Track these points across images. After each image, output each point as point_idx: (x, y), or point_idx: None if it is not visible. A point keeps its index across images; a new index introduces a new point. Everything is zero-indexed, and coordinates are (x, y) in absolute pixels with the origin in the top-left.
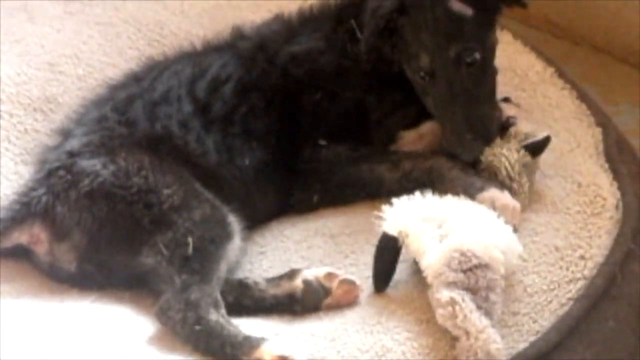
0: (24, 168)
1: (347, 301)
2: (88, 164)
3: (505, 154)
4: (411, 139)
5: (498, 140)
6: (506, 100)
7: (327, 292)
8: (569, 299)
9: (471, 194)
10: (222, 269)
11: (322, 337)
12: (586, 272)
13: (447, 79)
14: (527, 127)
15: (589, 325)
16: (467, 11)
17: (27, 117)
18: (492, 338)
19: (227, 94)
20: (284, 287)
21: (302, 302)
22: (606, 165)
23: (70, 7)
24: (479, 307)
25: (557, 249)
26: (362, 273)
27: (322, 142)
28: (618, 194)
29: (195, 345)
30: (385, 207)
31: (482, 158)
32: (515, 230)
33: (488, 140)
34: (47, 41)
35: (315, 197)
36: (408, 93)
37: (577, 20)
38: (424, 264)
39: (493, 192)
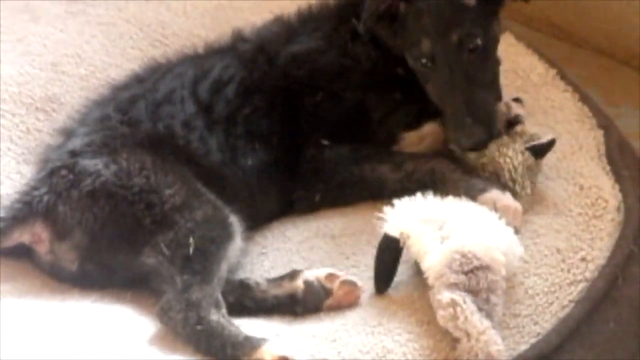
0: (26, 167)
1: (348, 302)
2: (90, 163)
3: (509, 155)
4: (412, 140)
5: (505, 138)
6: (517, 100)
7: (328, 293)
8: (570, 301)
9: (473, 195)
10: (223, 269)
11: (323, 337)
12: (587, 274)
13: (448, 64)
14: (532, 128)
15: (590, 327)
16: (470, 1)
17: (29, 117)
18: (493, 340)
19: (230, 95)
20: (285, 288)
21: (303, 302)
22: (608, 168)
23: (73, 7)
24: (480, 309)
25: (558, 250)
26: (363, 274)
27: (324, 142)
28: (620, 196)
29: (196, 345)
30: (386, 209)
31: (487, 152)
32: (517, 232)
33: (489, 128)
34: (50, 41)
35: (317, 197)
36: (409, 93)
37: (579, 23)
38: (425, 265)
39: (495, 194)
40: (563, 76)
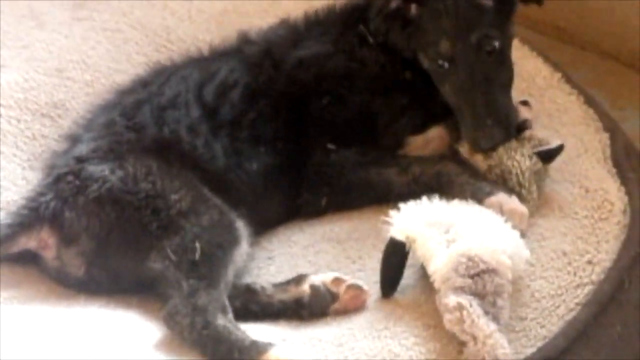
0: (31, 173)
1: (354, 306)
2: (96, 169)
3: (518, 159)
4: (418, 144)
5: (513, 142)
6: (524, 103)
7: (334, 297)
8: (577, 304)
9: (479, 198)
10: (230, 274)
11: (330, 342)
12: (594, 277)
13: (468, 65)
14: (541, 132)
15: (596, 330)
16: (488, 1)
17: (34, 123)
18: (499, 343)
19: (235, 99)
20: (292, 292)
21: (310, 307)
22: (614, 170)
23: (78, 13)
24: (486, 312)
25: (564, 253)
26: (369, 278)
27: (330, 147)
28: (626, 199)
29: (202, 350)
30: (392, 212)
31: (495, 155)
32: (523, 235)
33: (508, 129)
34: (55, 47)
35: (323, 201)
36: (415, 97)
37: (585, 26)
38: (431, 269)
39: (501, 197)
40: (568, 79)
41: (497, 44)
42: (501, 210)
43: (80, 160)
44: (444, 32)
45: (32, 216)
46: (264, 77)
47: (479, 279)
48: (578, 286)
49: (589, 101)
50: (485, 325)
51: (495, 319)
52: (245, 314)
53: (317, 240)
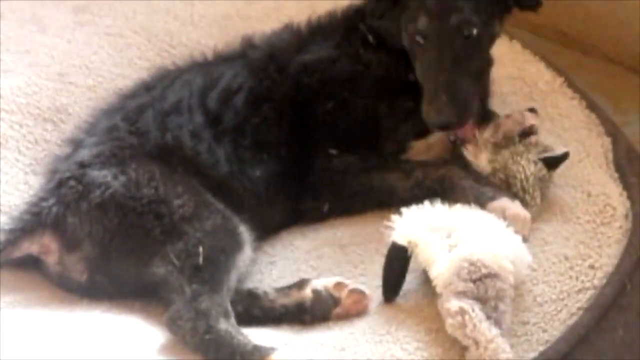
0: (34, 178)
1: (356, 311)
2: (99, 174)
3: (522, 165)
4: (420, 149)
5: (519, 147)
6: (532, 110)
7: (336, 301)
8: (579, 308)
9: (482, 202)
10: (233, 278)
11: (332, 346)
12: (596, 282)
13: (440, 44)
14: (547, 139)
15: (598, 335)
16: None
17: (37, 128)
18: (501, 347)
19: (239, 105)
20: (294, 297)
21: (312, 311)
22: (616, 175)
23: (81, 18)
24: (488, 317)
25: (566, 258)
26: (371, 283)
27: (333, 152)
28: (628, 204)
29: (205, 354)
30: (394, 217)
31: (500, 159)
32: (525, 240)
33: (461, 114)
34: (57, 52)
35: (326, 207)
36: (419, 101)
37: (587, 30)
38: (433, 273)
39: (504, 202)
40: (570, 84)
41: (475, 31)
42: (504, 215)
43: (82, 165)
44: (425, 9)
45: (34, 221)
46: (268, 81)
47: (481, 284)
48: (580, 290)
49: (591, 106)
50: (487, 330)
51: (497, 323)
52: (247, 319)
53: (319, 244)
